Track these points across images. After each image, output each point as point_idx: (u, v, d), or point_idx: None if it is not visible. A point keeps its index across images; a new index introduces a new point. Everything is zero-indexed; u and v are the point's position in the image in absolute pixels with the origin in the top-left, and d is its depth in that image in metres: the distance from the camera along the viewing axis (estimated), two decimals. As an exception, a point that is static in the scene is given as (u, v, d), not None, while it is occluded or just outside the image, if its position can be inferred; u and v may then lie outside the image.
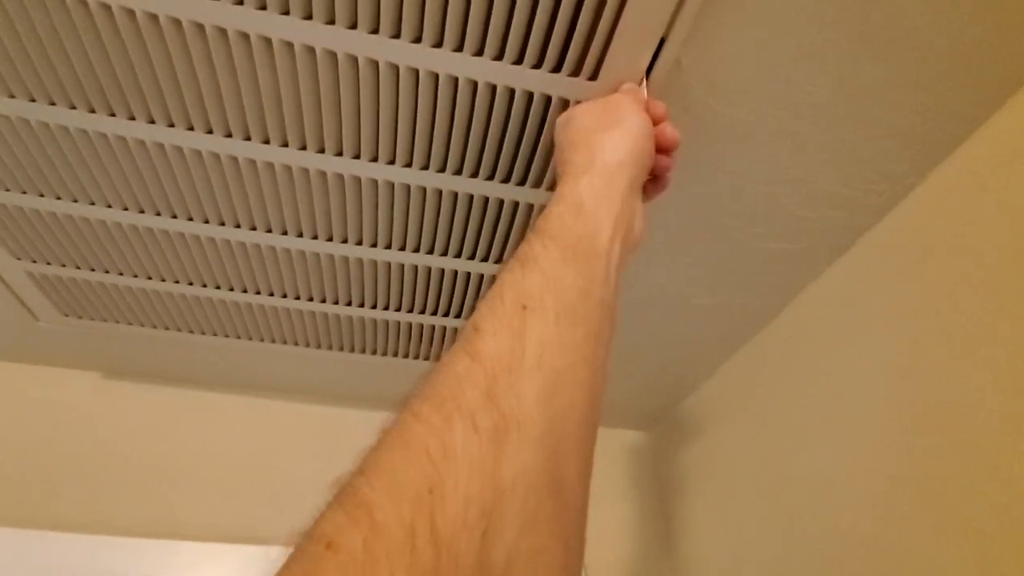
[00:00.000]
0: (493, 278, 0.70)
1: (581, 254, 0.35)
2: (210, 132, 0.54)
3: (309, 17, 0.44)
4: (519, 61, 0.48)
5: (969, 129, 0.57)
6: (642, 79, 0.50)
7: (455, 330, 0.81)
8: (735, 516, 0.87)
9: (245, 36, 0.46)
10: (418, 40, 0.46)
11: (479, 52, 0.47)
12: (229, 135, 0.54)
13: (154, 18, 0.45)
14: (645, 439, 1.17)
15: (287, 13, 0.44)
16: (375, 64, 0.48)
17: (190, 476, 0.95)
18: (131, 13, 0.44)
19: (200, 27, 0.45)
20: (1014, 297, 0.51)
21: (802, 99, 0.54)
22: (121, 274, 0.74)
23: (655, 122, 0.47)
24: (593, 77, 0.49)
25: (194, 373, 0.99)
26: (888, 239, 0.66)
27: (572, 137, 0.44)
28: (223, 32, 0.45)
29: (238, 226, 0.65)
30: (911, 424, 0.59)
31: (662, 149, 0.47)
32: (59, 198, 0.63)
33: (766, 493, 0.81)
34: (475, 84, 0.49)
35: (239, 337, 0.84)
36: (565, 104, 0.51)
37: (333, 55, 0.47)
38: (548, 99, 0.50)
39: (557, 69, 0.48)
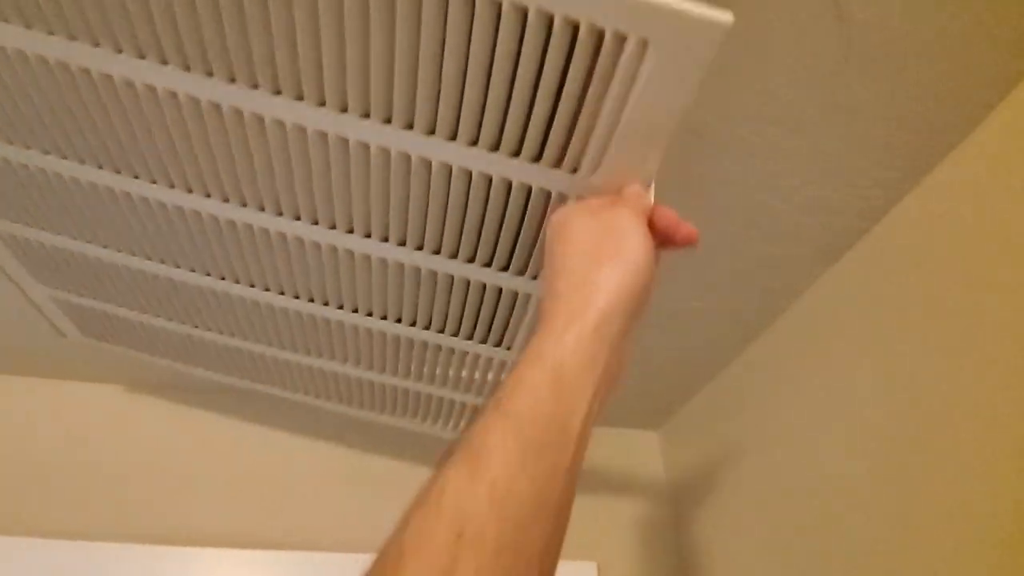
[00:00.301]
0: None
1: (548, 447, 0.31)
2: (239, 204, 0.57)
3: (344, 110, 0.45)
4: (517, 153, 0.46)
5: (959, 138, 0.58)
6: (650, 182, 0.46)
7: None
8: (742, 513, 0.89)
9: (280, 123, 0.48)
10: (410, 127, 0.46)
11: (473, 142, 0.46)
12: (262, 209, 0.56)
13: (212, 106, 0.47)
14: (653, 438, 1.19)
15: (323, 105, 0.45)
16: (386, 152, 0.49)
17: (210, 484, 0.98)
18: (196, 101, 0.47)
19: (239, 112, 0.47)
20: (1008, 301, 0.53)
21: (790, 114, 0.56)
22: (145, 313, 0.77)
23: (666, 231, 0.43)
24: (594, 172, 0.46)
25: (213, 385, 1.02)
26: (883, 243, 0.68)
27: (564, 261, 0.39)
28: (260, 119, 0.47)
29: (267, 289, 0.68)
30: (908, 424, 0.61)
31: (678, 245, 0.44)
32: (89, 242, 0.66)
33: (770, 491, 0.83)
34: (469, 174, 0.49)
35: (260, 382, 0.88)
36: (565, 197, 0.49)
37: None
38: (548, 193, 0.49)
39: (557, 164, 0.46)
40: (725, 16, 0.35)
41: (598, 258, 0.38)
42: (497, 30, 0.38)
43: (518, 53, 0.39)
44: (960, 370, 0.56)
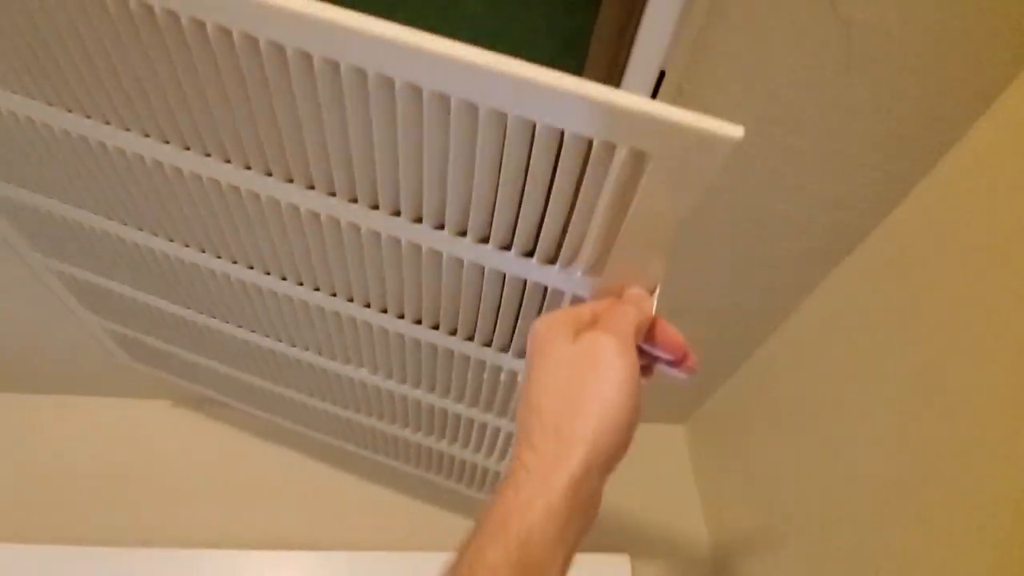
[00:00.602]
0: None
1: None
2: (279, 278, 0.61)
3: (376, 207, 0.46)
4: (522, 252, 0.45)
5: (961, 131, 0.59)
6: (655, 287, 0.41)
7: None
8: (770, 505, 0.90)
9: (316, 215, 0.49)
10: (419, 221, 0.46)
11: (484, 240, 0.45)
12: (300, 283, 0.60)
13: (252, 195, 0.50)
14: (679, 432, 1.21)
15: (355, 201, 0.46)
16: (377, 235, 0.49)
17: (254, 490, 1.04)
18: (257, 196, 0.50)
19: (296, 208, 0.49)
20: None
21: (793, 115, 0.58)
22: (189, 352, 0.82)
23: (664, 347, 0.40)
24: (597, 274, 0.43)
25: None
26: (897, 234, 0.68)
27: (540, 398, 0.35)
28: (295, 208, 0.50)
29: (307, 349, 0.71)
30: (934, 415, 0.61)
31: (673, 366, 0.41)
32: (139, 289, 0.71)
33: (797, 483, 0.84)
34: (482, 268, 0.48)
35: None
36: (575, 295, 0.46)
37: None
38: (545, 288, 0.47)
39: (551, 261, 0.44)
40: (734, 131, 0.29)
41: (574, 403, 0.34)
42: (503, 143, 0.36)
43: (528, 159, 0.37)
44: (982, 360, 0.56)
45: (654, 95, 0.57)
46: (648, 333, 0.39)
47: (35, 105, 0.47)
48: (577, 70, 0.61)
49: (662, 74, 0.55)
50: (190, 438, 1.10)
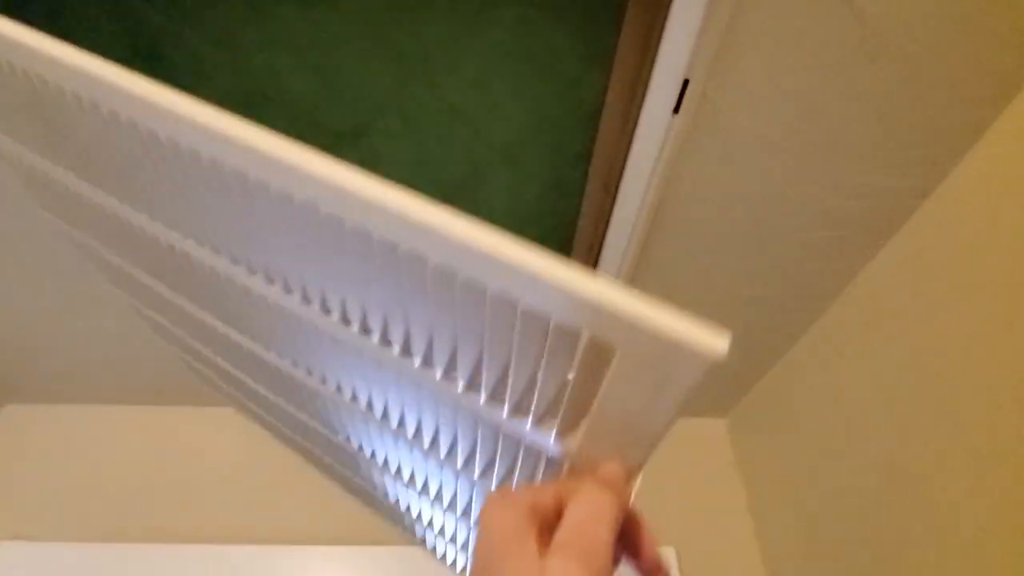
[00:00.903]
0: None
1: None
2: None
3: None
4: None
5: (994, 113, 0.59)
6: (634, 472, 0.34)
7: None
8: (816, 496, 0.90)
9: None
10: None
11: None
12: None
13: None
14: (721, 425, 1.22)
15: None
16: None
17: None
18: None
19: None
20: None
21: (818, 110, 0.59)
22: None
23: (633, 548, 0.32)
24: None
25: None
26: (937, 217, 0.67)
27: None
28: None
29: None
30: (986, 406, 0.60)
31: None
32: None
33: (843, 474, 0.84)
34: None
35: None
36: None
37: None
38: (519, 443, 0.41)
39: (525, 415, 0.38)
40: (717, 345, 0.23)
41: None
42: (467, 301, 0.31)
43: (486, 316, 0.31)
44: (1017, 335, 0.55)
45: (678, 103, 0.58)
46: (627, 535, 0.33)
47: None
48: (603, 85, 0.63)
49: (686, 82, 0.57)
50: (255, 442, 1.19)
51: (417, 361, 0.41)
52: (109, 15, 0.59)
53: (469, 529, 0.73)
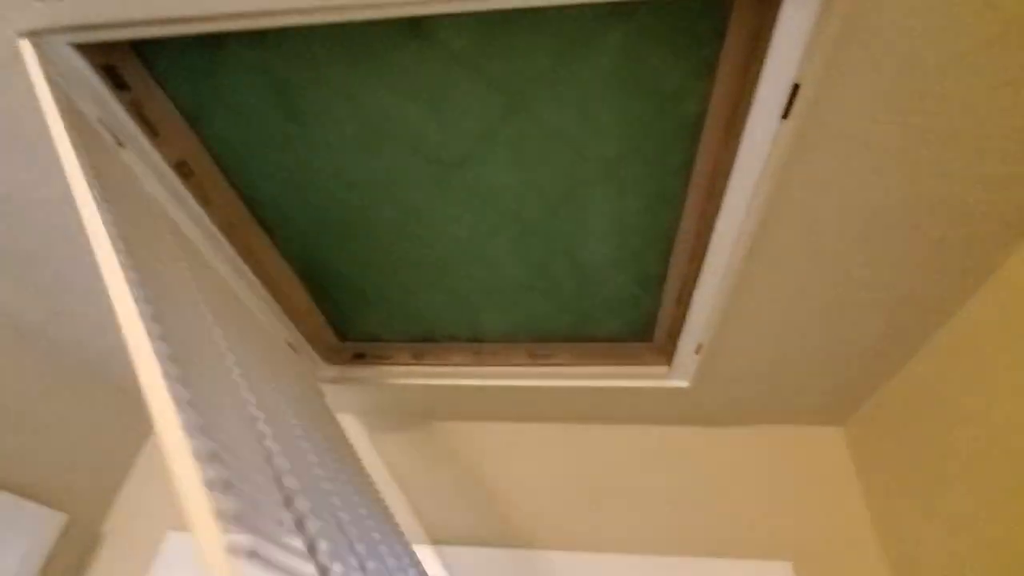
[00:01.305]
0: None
1: None
2: None
3: None
4: None
5: None
6: None
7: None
8: (947, 508, 0.85)
9: None
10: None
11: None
12: None
13: None
14: (838, 433, 1.16)
15: None
16: None
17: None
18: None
19: None
20: None
21: (935, 106, 0.56)
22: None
23: None
24: None
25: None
26: None
27: None
28: None
29: None
30: None
31: None
32: None
33: (978, 485, 0.78)
34: None
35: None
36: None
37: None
38: None
39: None
40: None
41: None
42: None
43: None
44: None
45: (788, 108, 0.57)
46: None
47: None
48: (705, 93, 0.63)
49: (796, 87, 0.56)
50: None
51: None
52: (253, 81, 0.67)
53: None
